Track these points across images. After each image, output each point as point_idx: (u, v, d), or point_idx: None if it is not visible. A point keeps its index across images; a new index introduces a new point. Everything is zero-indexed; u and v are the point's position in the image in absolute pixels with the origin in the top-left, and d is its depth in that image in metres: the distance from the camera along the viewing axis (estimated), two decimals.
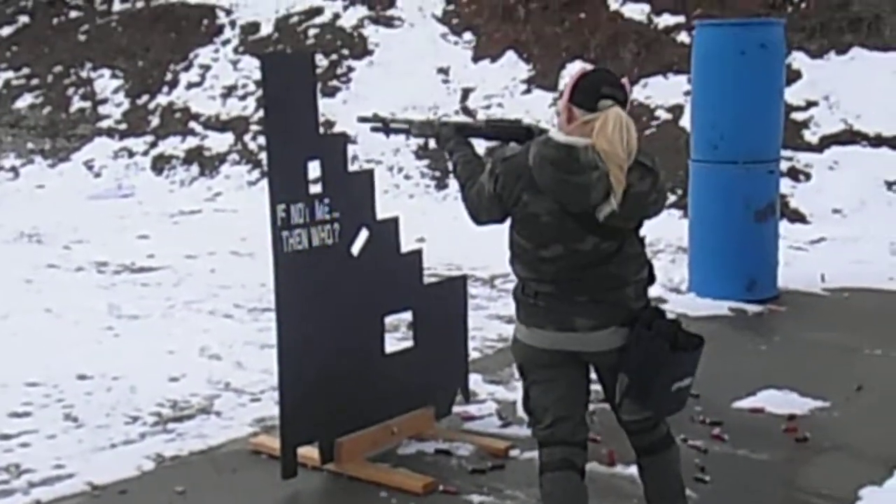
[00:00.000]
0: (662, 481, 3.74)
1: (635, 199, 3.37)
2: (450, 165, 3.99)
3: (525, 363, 3.67)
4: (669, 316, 3.59)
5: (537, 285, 3.53)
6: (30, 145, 16.44)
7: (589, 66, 3.59)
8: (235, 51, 16.20)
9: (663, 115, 12.55)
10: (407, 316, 5.24)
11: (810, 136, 11.57)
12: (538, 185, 3.39)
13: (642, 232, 3.58)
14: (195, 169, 14.90)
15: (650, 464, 3.75)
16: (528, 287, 3.57)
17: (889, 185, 10.83)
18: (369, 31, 15.28)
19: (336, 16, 15.79)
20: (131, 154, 15.54)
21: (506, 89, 13.72)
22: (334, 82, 14.79)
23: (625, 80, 3.51)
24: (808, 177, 11.21)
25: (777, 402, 5.49)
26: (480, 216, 3.69)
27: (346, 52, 15.18)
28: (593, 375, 3.71)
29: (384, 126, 4.64)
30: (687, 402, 3.64)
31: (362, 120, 4.77)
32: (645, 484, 3.79)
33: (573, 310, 3.47)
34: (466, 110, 13.64)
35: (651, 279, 3.60)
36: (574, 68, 13.35)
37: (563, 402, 3.61)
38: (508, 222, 3.60)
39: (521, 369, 3.71)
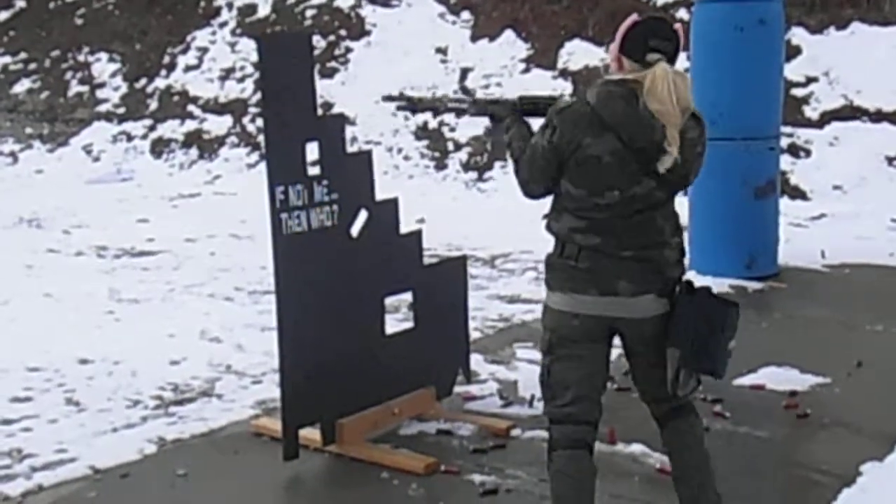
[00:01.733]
0: (684, 449, 3.70)
1: (688, 146, 3.44)
2: (507, 146, 3.87)
3: (556, 335, 3.59)
4: None
5: (584, 237, 3.49)
6: (28, 130, 16.41)
7: (640, 16, 3.54)
8: (233, 33, 16.14)
9: None
10: (407, 297, 5.24)
11: (810, 112, 11.55)
12: (603, 123, 3.40)
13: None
14: (194, 152, 14.87)
15: (674, 429, 3.71)
16: (570, 246, 3.51)
17: (890, 160, 10.81)
18: (367, 11, 15.23)
19: None
20: (130, 138, 15.51)
21: (504, 68, 13.67)
22: (332, 63, 14.74)
23: (678, 27, 3.52)
24: (808, 153, 11.19)
25: (778, 378, 5.49)
26: (533, 182, 3.61)
27: (343, 32, 15.13)
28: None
29: (410, 105, 4.60)
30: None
31: (387, 99, 4.72)
32: (670, 455, 3.76)
33: (617, 270, 3.46)
34: (465, 90, 13.60)
35: (683, 252, 3.62)
36: (573, 47, 13.34)
37: (587, 381, 3.59)
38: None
39: (549, 343, 3.61)
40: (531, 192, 3.66)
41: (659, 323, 3.51)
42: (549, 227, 3.62)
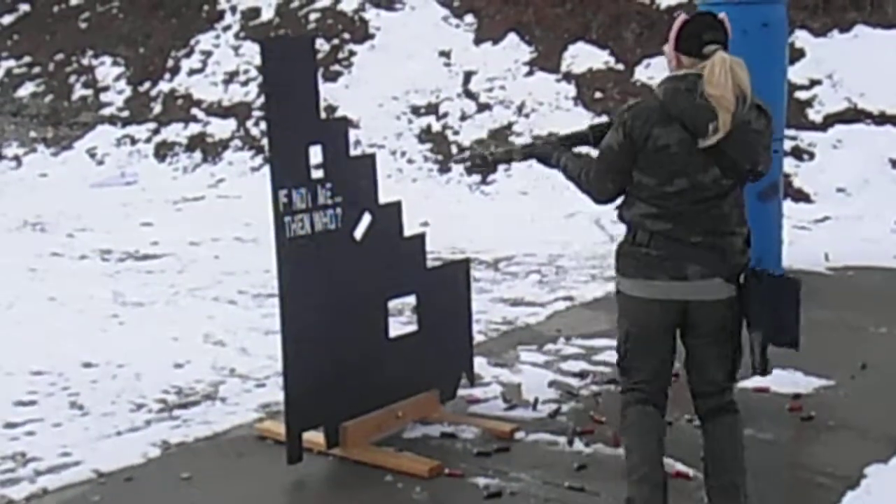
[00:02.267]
0: (722, 446, 3.89)
1: (754, 136, 3.66)
2: (560, 171, 4.12)
3: (630, 323, 3.87)
4: None
5: (654, 223, 3.71)
6: (32, 134, 16.43)
7: (688, 14, 3.80)
8: (237, 36, 16.15)
9: None
10: (411, 300, 5.24)
11: (814, 114, 11.54)
12: (670, 115, 3.63)
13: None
14: (198, 155, 14.88)
15: (712, 428, 3.91)
16: (642, 233, 3.74)
17: (893, 163, 10.80)
18: (370, 14, 15.24)
19: (337, 0, 15.74)
20: (134, 141, 15.52)
21: (508, 71, 13.68)
22: (336, 67, 14.75)
23: (723, 16, 3.76)
24: (811, 156, 11.18)
25: (782, 381, 5.48)
26: (606, 184, 3.84)
27: (347, 36, 15.14)
28: None
29: (484, 162, 4.70)
30: None
31: (458, 161, 4.74)
32: (706, 448, 3.93)
33: (686, 254, 3.69)
34: (469, 93, 13.61)
35: (748, 241, 3.81)
36: (577, 49, 13.34)
37: (659, 366, 3.87)
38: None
39: (626, 333, 3.90)
40: (606, 190, 3.87)
41: (726, 307, 3.75)
42: (620, 216, 3.86)
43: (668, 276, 3.72)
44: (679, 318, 3.80)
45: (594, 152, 3.98)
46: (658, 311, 3.78)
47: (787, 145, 9.88)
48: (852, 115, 11.39)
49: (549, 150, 4.22)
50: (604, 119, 4.18)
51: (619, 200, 3.88)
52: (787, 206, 9.24)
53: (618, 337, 3.99)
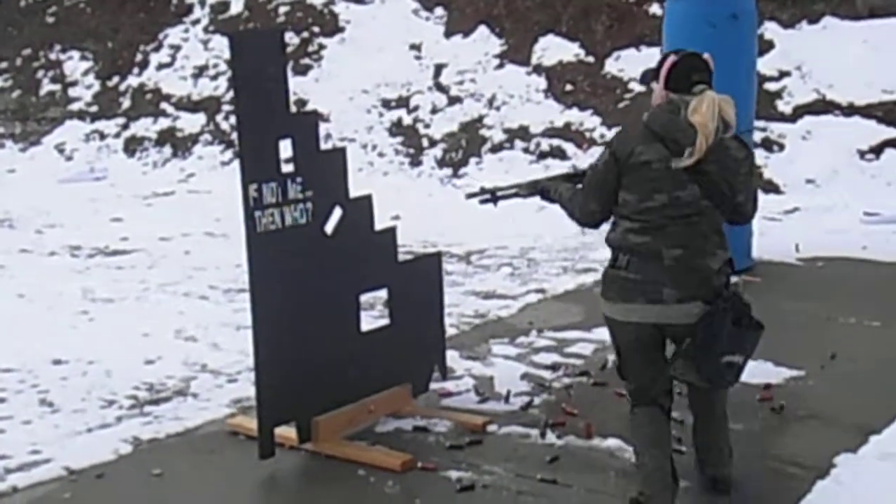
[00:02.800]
0: (710, 404, 4.13)
1: (731, 162, 3.88)
2: (557, 202, 4.38)
3: (617, 342, 4.09)
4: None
5: (635, 237, 3.91)
6: (0, 129, 16.28)
7: (676, 55, 4.03)
8: (205, 30, 16.06)
9: (637, 87, 12.53)
10: (382, 294, 5.24)
11: (783, 106, 11.60)
12: (653, 134, 3.88)
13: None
14: (168, 150, 14.79)
15: (702, 391, 4.10)
16: (622, 256, 3.94)
17: (861, 154, 10.87)
18: (340, 7, 15.18)
19: None
20: (103, 136, 15.40)
21: (479, 64, 13.67)
22: (306, 60, 14.69)
23: (707, 57, 4.03)
24: (781, 147, 11.23)
25: (752, 371, 5.42)
26: (590, 205, 4.09)
27: (316, 29, 15.08)
28: None
29: (493, 197, 4.80)
30: (737, 379, 4.03)
31: (470, 196, 4.91)
32: (693, 409, 4.21)
33: (662, 277, 3.86)
34: (440, 86, 13.60)
35: (731, 265, 4.03)
36: (547, 41, 13.35)
37: (655, 374, 4.03)
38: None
39: (616, 348, 4.12)
40: (590, 212, 4.11)
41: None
42: (607, 239, 4.07)
43: (645, 300, 3.91)
44: (658, 332, 4.00)
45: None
46: (636, 330, 3.98)
47: (757, 136, 9.93)
48: (821, 107, 11.45)
49: (550, 185, 4.49)
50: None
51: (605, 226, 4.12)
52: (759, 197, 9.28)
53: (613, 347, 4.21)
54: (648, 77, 4.12)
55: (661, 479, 3.96)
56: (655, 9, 12.74)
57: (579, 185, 4.33)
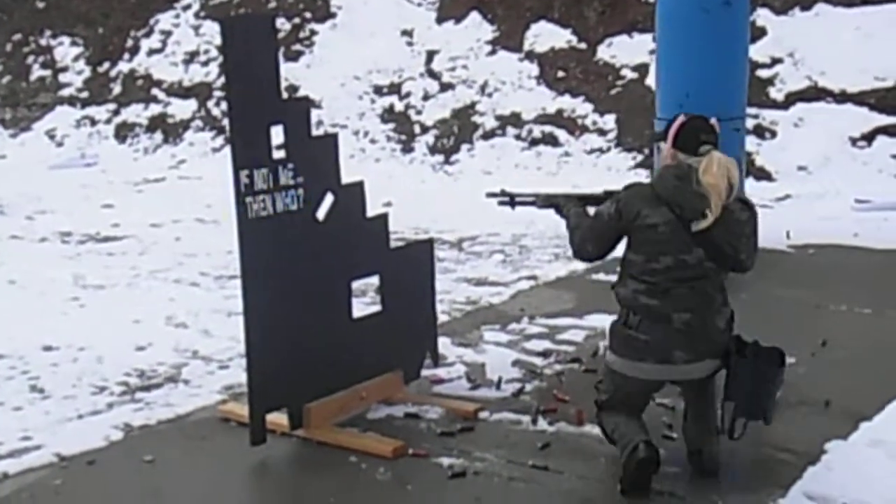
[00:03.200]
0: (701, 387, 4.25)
1: (735, 224, 4.06)
2: (564, 222, 4.55)
3: (615, 391, 4.24)
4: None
5: (644, 298, 4.08)
6: None
7: (684, 117, 4.20)
8: (196, 15, 16.01)
9: (629, 74, 12.53)
10: (374, 280, 5.23)
11: (775, 93, 11.60)
12: (659, 197, 4.04)
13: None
14: (158, 136, 14.77)
15: (692, 410, 4.31)
16: (633, 315, 4.11)
17: (853, 141, 10.88)
18: None
19: None
20: (94, 122, 15.38)
21: (470, 51, 13.65)
22: (297, 46, 14.66)
23: (714, 122, 4.21)
24: (773, 134, 11.24)
25: None
26: (589, 243, 4.29)
27: (308, 15, 15.04)
28: None
29: (511, 200, 4.97)
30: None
31: (490, 195, 5.05)
32: (684, 430, 4.35)
33: (672, 340, 4.05)
34: (432, 73, 13.57)
35: (732, 319, 4.21)
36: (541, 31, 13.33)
37: (633, 409, 4.28)
38: (622, 247, 4.21)
39: (609, 395, 4.27)
40: (586, 252, 4.33)
41: (708, 379, 4.19)
42: (616, 294, 4.23)
43: (655, 360, 4.09)
44: (660, 385, 4.27)
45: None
46: (642, 385, 4.20)
47: (749, 123, 9.92)
48: (813, 94, 11.46)
49: (564, 202, 4.63)
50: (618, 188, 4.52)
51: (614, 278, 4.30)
52: (749, 184, 9.30)
53: (603, 375, 4.38)
54: (656, 138, 4.24)
55: (638, 428, 4.18)
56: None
57: (589, 207, 4.52)
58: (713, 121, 4.21)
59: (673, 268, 4.04)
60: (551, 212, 4.76)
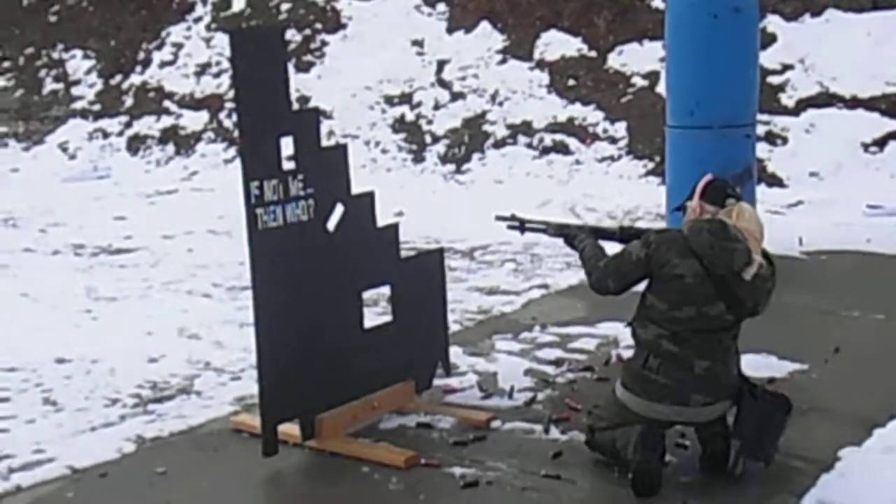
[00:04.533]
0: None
1: (760, 280, 4.16)
2: (578, 253, 4.65)
3: (622, 419, 4.27)
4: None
5: (666, 344, 4.16)
6: (3, 129, 16.29)
7: (711, 175, 4.44)
8: (208, 28, 16.07)
9: (639, 81, 12.53)
10: (385, 290, 5.23)
11: (786, 99, 11.58)
12: (691, 250, 4.13)
13: None
14: (171, 148, 14.81)
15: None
16: (654, 358, 4.18)
17: (865, 147, 10.86)
18: (342, 4, 15.18)
19: None
20: (106, 135, 15.43)
21: (481, 60, 13.66)
22: (308, 57, 14.70)
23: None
24: (784, 140, 11.22)
25: (756, 365, 5.49)
26: (608, 282, 4.36)
27: (319, 26, 15.08)
28: None
29: (521, 225, 5.02)
30: None
31: (500, 218, 5.12)
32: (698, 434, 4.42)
33: (690, 383, 4.15)
34: (442, 82, 13.59)
35: (740, 362, 4.34)
36: (550, 35, 13.35)
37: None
38: (644, 286, 4.29)
39: (615, 417, 4.31)
40: (605, 287, 4.38)
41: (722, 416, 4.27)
42: (635, 335, 4.32)
43: (671, 402, 4.17)
44: (670, 424, 4.30)
45: (617, 247, 4.47)
46: (652, 422, 4.22)
47: (761, 130, 9.91)
48: (824, 100, 11.44)
49: (577, 233, 4.73)
50: (634, 225, 4.65)
51: (632, 316, 4.37)
52: (761, 190, 9.28)
53: (606, 405, 4.42)
54: (684, 201, 4.40)
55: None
56: (657, 3, 12.72)
57: (601, 241, 4.63)
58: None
59: (695, 318, 4.13)
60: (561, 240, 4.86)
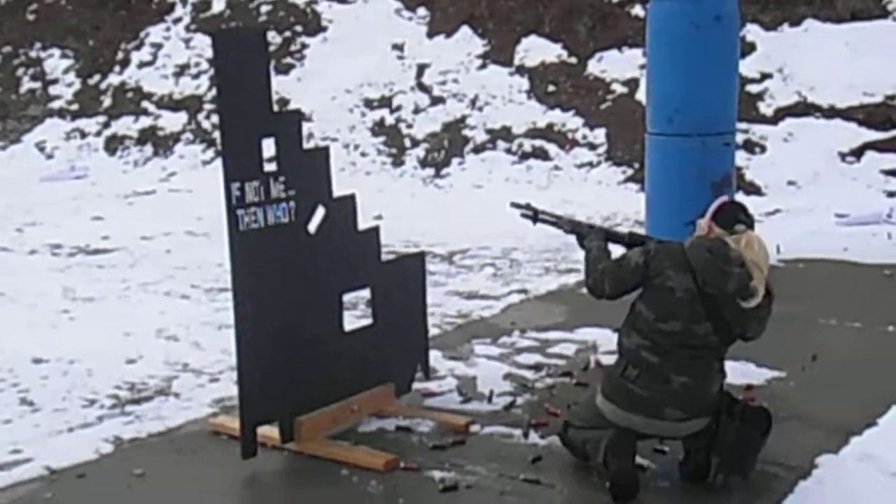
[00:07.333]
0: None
1: (753, 309, 4.15)
2: (584, 252, 4.61)
3: (597, 425, 4.30)
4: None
5: (647, 354, 4.17)
6: None
7: (725, 198, 4.47)
8: (187, 29, 16.03)
9: (619, 88, 12.58)
10: (365, 293, 5.22)
11: (765, 108, 11.65)
12: (688, 264, 4.14)
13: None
14: (149, 149, 14.77)
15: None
16: (632, 368, 4.19)
17: (842, 156, 10.93)
18: (322, 7, 15.18)
19: None
20: (84, 135, 15.36)
21: (461, 65, 13.69)
22: (288, 59, 14.68)
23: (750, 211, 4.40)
24: (763, 149, 11.29)
25: (734, 372, 5.44)
26: (604, 284, 4.34)
27: (299, 28, 15.07)
28: None
29: (534, 215, 4.97)
30: None
31: (514, 206, 5.06)
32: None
33: (665, 397, 4.14)
34: (422, 86, 13.60)
35: (724, 379, 4.33)
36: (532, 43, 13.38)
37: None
38: (636, 294, 4.28)
39: (593, 425, 4.33)
40: (601, 289, 4.38)
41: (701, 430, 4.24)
42: (619, 344, 4.32)
43: (647, 415, 4.17)
44: (644, 435, 4.28)
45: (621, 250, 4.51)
46: (627, 430, 4.22)
47: (739, 138, 9.95)
48: (802, 109, 11.52)
49: (587, 232, 4.71)
50: (641, 233, 4.95)
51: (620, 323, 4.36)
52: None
53: (584, 405, 4.45)
54: (697, 217, 4.38)
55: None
56: (638, 10, 12.78)
57: (611, 245, 4.62)
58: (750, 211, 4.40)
59: (679, 333, 4.12)
60: (572, 238, 4.83)
